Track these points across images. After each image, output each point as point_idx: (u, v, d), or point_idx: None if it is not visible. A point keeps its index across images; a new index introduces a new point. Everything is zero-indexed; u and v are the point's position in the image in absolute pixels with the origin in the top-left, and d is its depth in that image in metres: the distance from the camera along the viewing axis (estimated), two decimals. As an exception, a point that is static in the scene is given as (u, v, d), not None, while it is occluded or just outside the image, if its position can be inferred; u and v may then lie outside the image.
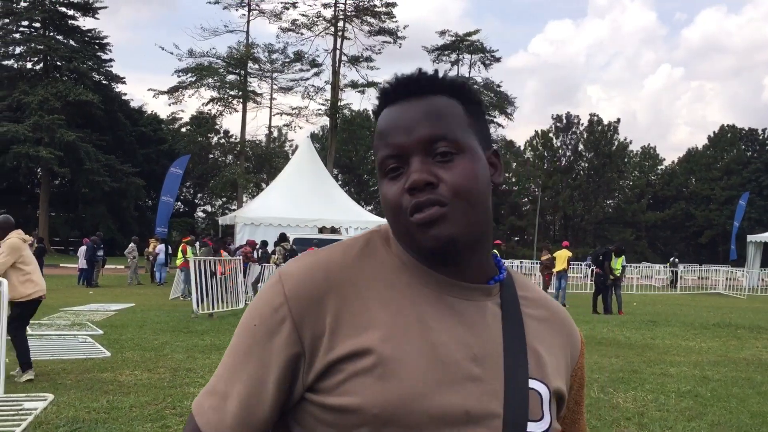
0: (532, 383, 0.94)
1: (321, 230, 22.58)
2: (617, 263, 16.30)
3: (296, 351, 0.91)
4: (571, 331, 1.06)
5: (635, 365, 8.51)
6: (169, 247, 24.01)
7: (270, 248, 18.62)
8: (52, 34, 44.72)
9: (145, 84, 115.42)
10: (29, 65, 45.69)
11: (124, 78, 50.26)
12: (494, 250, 1.05)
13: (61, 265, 30.03)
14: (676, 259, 30.83)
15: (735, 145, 60.58)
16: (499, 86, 48.66)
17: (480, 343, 0.92)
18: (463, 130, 0.94)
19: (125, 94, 51.29)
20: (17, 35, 44.38)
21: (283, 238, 17.92)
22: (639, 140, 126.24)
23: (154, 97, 45.55)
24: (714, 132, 63.13)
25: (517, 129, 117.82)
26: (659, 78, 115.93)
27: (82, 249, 21.97)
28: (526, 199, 63.77)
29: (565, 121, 64.28)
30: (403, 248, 0.97)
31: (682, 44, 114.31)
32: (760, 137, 60.60)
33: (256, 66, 44.33)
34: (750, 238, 30.57)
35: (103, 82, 47.62)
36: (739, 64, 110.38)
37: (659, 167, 65.64)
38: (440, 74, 0.98)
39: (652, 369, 8.36)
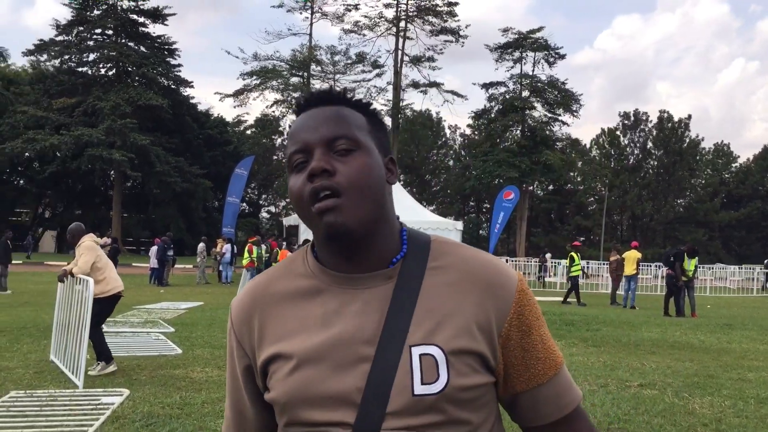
0: (424, 348, 1.01)
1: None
2: (690, 264, 15.79)
3: (247, 363, 1.14)
4: (492, 284, 1.08)
5: (711, 370, 8.20)
6: (235, 247, 24.47)
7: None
8: (123, 41, 46.24)
9: (212, 87, 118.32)
10: (102, 71, 47.36)
11: (192, 82, 51.76)
12: (406, 226, 1.17)
13: (133, 264, 31.01)
14: None
15: (815, 141, 58.11)
16: (564, 84, 47.79)
17: (374, 327, 1.03)
18: (362, 133, 1.07)
19: (193, 98, 52.74)
20: (91, 42, 46.05)
21: (306, 242, 18.12)
22: (711, 137, 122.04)
23: (220, 100, 46.81)
24: (792, 127, 60.72)
25: (582, 127, 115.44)
26: (733, 72, 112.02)
27: (153, 249, 22.62)
28: (592, 199, 62.43)
29: (633, 118, 62.67)
30: (315, 242, 1.14)
31: (757, 37, 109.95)
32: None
33: (319, 68, 44.88)
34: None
35: (172, 86, 48.93)
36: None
37: (733, 165, 63.31)
38: (348, 94, 1.14)
39: (728, 374, 8.05)
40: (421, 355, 1.01)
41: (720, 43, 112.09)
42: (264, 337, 1.10)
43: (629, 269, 17.27)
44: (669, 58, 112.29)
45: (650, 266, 25.72)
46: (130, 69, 45.73)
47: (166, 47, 48.50)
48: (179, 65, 49.46)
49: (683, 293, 15.60)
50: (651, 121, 61.58)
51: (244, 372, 1.14)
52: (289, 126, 1.16)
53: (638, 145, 62.09)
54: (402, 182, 48.92)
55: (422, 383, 1.00)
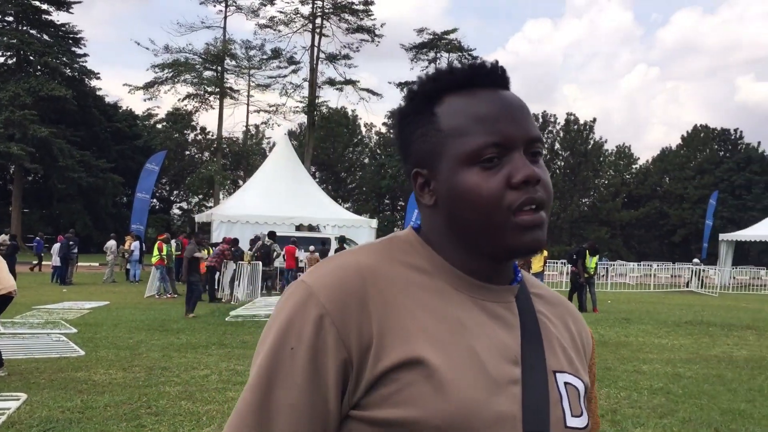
0: (568, 378, 0.92)
1: (298, 228, 22.54)
2: (592, 261, 16.48)
3: (345, 357, 0.83)
4: (582, 326, 1.04)
5: (609, 363, 8.61)
6: (144, 245, 23.78)
7: (245, 246, 18.56)
8: (25, 28, 44.00)
9: (121, 79, 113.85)
10: (1, 60, 44.97)
11: (98, 73, 49.67)
12: None
13: (33, 262, 29.60)
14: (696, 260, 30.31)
15: (708, 145, 61.38)
16: (476, 85, 48.76)
17: (514, 343, 0.90)
18: None
19: (100, 89, 50.75)
20: (-11, 29, 43.63)
21: (271, 235, 18.19)
22: (614, 140, 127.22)
23: (129, 92, 45.04)
24: (687, 131, 64.01)
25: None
26: (635, 78, 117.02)
27: (56, 246, 21.70)
28: (502, 198, 64.12)
29: (541, 120, 64.72)
30: (454, 246, 0.93)
31: (657, 44, 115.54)
32: (732, 137, 61.45)
33: (233, 62, 44.09)
34: (722, 236, 31.04)
35: (77, 77, 46.95)
36: (714, 64, 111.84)
37: (634, 166, 66.33)
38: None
39: (625, 366, 8.48)
40: (566, 384, 0.92)
41: (623, 49, 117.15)
42: (387, 332, 0.84)
43: (536, 266, 17.83)
44: (576, 63, 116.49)
45: (557, 263, 26.65)
46: (31, 58, 43.58)
47: (71, 36, 46.42)
48: (85, 55, 47.47)
49: (585, 289, 16.30)
50: (558, 123, 63.80)
51: (339, 370, 0.83)
52: (413, 93, 0.96)
53: (546, 146, 64.17)
54: (317, 180, 48.74)
55: (572, 415, 0.90)
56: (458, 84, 0.93)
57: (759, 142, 59.93)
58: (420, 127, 0.94)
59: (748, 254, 48.98)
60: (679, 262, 34.39)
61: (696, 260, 29.59)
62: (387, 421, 0.81)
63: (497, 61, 0.94)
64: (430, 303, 0.88)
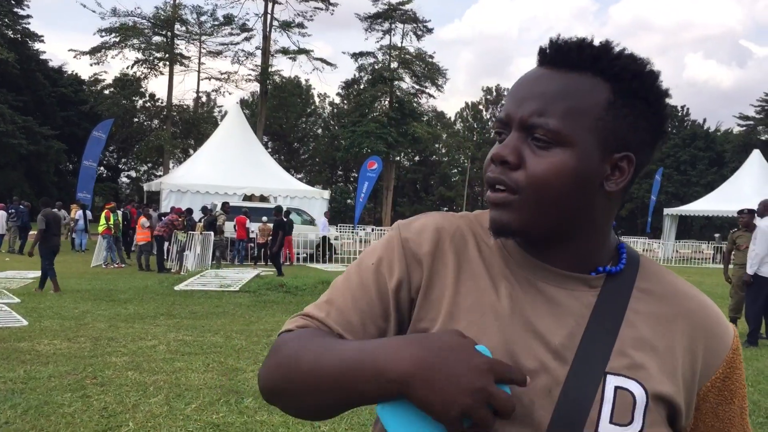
0: (622, 381, 0.85)
1: (249, 198, 22.32)
2: None
3: (403, 278, 0.94)
4: (709, 332, 0.93)
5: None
6: (89, 213, 23.25)
7: (196, 216, 18.32)
8: (-38, -14, 42.16)
9: (67, 44, 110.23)
10: (-63, 20, 43.01)
11: (42, 36, 47.92)
12: (623, 242, 1.00)
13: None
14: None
15: (655, 121, 62.83)
16: (431, 57, 48.71)
17: (565, 334, 0.88)
18: (579, 122, 0.85)
19: (44, 53, 49.03)
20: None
21: (224, 207, 18.10)
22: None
23: (75, 57, 43.53)
24: (636, 108, 65.24)
25: (449, 100, 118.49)
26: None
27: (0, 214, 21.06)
28: (455, 170, 64.53)
29: (495, 93, 65.10)
30: None
31: (610, 21, 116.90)
32: (679, 114, 62.94)
33: (184, 28, 42.99)
34: (666, 211, 31.89)
35: (19, 39, 45.21)
36: (665, 42, 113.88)
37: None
38: (614, 49, 0.89)
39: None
40: (617, 388, 0.85)
41: (578, 25, 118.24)
42: (432, 287, 0.93)
43: None
44: (532, 38, 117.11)
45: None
46: (-30, 18, 41.83)
47: (13, -4, 44.65)
48: (28, 17, 45.74)
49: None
50: (511, 97, 64.28)
51: (397, 288, 0.94)
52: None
53: (499, 119, 64.66)
54: (269, 150, 48.24)
55: (611, 422, 0.84)
56: (543, 59, 0.91)
57: (705, 119, 61.81)
58: None
59: (690, 228, 50.52)
60: (625, 236, 35.25)
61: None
62: None
63: (558, 37, 0.91)
64: (484, 276, 0.93)
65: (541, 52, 0.90)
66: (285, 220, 16.89)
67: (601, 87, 0.87)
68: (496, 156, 0.88)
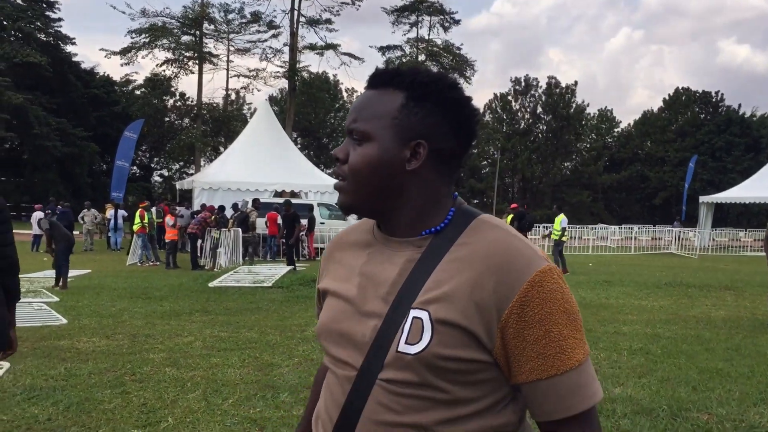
0: (417, 312, 1.10)
1: (280, 194, 22.44)
2: (556, 223, 16.62)
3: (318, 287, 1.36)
4: (501, 268, 1.10)
5: (590, 324, 8.72)
6: (122, 212, 23.58)
7: (228, 213, 18.48)
8: (-4, -8, 42.96)
9: (97, 45, 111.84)
10: (-27, 25, 43.90)
11: (74, 39, 48.73)
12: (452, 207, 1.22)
13: (13, 231, 29.28)
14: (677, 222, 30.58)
15: (689, 108, 61.62)
16: (459, 49, 48.45)
17: (390, 283, 1.16)
18: (379, 122, 1.16)
19: (75, 55, 49.77)
20: (-42, -7, 42.46)
21: (255, 203, 18.20)
22: (597, 103, 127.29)
23: (106, 57, 44.34)
24: (669, 95, 64.19)
25: (478, 92, 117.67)
26: (619, 41, 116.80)
27: (35, 215, 21.47)
28: (485, 162, 64.11)
29: (523, 84, 64.51)
30: None
31: (641, 7, 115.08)
32: (713, 100, 61.69)
33: (212, 27, 43.42)
34: (702, 199, 31.34)
35: (52, 42, 45.99)
36: (697, 27, 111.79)
37: (616, 130, 66.51)
38: (416, 70, 1.19)
39: (605, 328, 8.59)
40: (413, 318, 1.10)
41: (608, 12, 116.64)
42: (324, 271, 1.34)
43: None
44: (561, 26, 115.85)
45: (539, 227, 26.83)
46: (5, 23, 42.56)
47: (44, 0, 45.39)
48: (60, 20, 46.64)
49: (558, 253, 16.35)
50: (541, 87, 63.65)
51: (318, 292, 1.36)
52: None
53: (528, 110, 64.05)
54: (299, 146, 48.42)
55: (406, 342, 1.09)
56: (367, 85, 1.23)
57: (739, 104, 60.40)
58: None
59: (727, 216, 49.62)
60: (660, 224, 34.75)
61: (676, 223, 30.01)
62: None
63: (377, 68, 1.28)
64: (352, 253, 1.28)
65: (368, 79, 1.21)
66: (288, 210, 17.00)
67: (397, 95, 1.16)
68: (333, 155, 1.21)
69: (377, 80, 1.20)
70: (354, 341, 1.16)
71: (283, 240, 18.00)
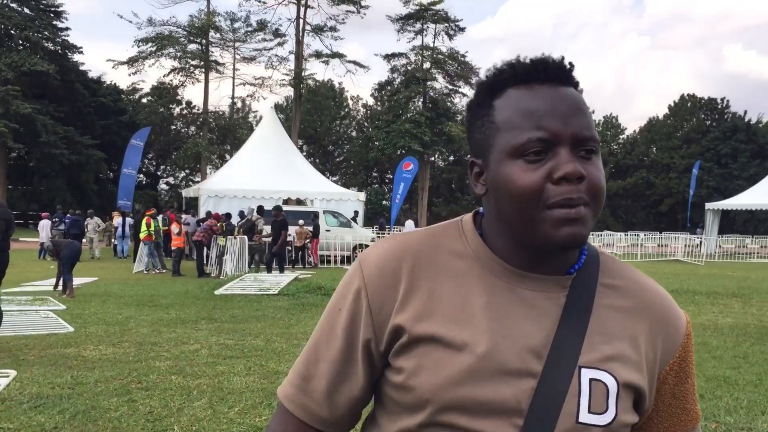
0: (596, 373, 0.92)
1: (286, 202, 22.47)
2: None
3: (369, 336, 0.97)
4: (666, 321, 1.01)
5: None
6: (129, 220, 23.65)
7: (235, 221, 18.52)
8: (5, 1, 43.21)
9: (104, 54, 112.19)
10: (-20, 34, 44.17)
11: (81, 48, 48.92)
12: None
13: (20, 239, 29.42)
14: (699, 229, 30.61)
15: (695, 114, 61.48)
16: (464, 56, 48.50)
17: (544, 335, 0.93)
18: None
19: (83, 64, 49.96)
20: (-34, 3, 42.79)
21: (259, 210, 18.16)
22: (603, 110, 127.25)
23: (113, 67, 44.46)
24: (674, 101, 64.07)
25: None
26: (625, 48, 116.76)
27: (43, 223, 21.55)
28: (490, 169, 64.07)
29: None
30: (500, 234, 0.98)
31: (645, 14, 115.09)
32: (719, 106, 61.57)
33: (218, 35, 43.61)
34: (708, 205, 31.25)
35: (59, 51, 46.24)
36: (703, 33, 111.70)
37: (621, 136, 66.42)
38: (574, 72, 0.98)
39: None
40: (591, 380, 0.92)
41: (614, 18, 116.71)
42: (410, 303, 0.95)
43: None
44: (567, 33, 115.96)
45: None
46: (12, 32, 42.82)
47: (52, 9, 45.60)
48: (67, 29, 46.72)
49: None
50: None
51: (366, 345, 0.98)
52: (482, 86, 0.99)
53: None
54: (304, 153, 48.52)
55: (589, 411, 0.91)
56: (519, 78, 0.95)
57: (745, 111, 60.57)
58: (479, 118, 0.98)
59: (734, 223, 49.41)
60: (666, 231, 34.64)
61: (699, 230, 29.88)
62: (401, 386, 0.94)
63: (562, 57, 0.96)
64: (458, 287, 0.96)
65: (540, 70, 0.94)
66: (277, 216, 16.80)
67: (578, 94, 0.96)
68: (573, 174, 0.88)
69: (561, 73, 0.95)
70: (502, 408, 0.90)
71: (300, 249, 18.07)
